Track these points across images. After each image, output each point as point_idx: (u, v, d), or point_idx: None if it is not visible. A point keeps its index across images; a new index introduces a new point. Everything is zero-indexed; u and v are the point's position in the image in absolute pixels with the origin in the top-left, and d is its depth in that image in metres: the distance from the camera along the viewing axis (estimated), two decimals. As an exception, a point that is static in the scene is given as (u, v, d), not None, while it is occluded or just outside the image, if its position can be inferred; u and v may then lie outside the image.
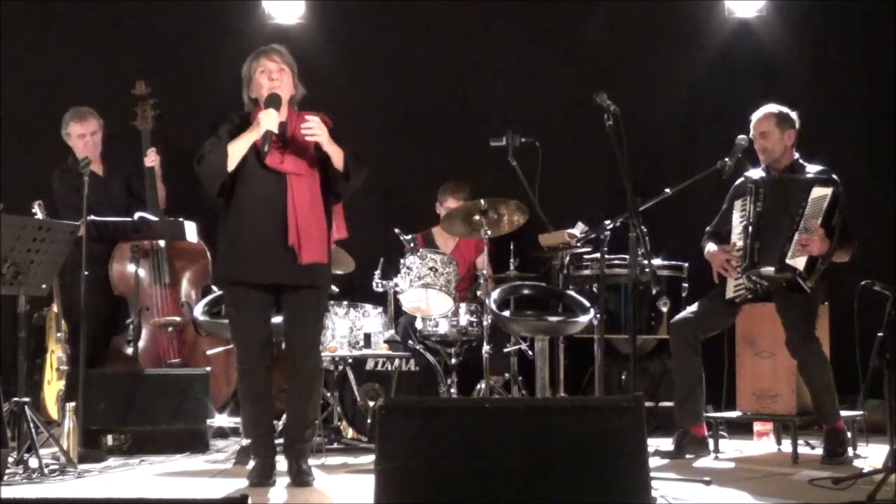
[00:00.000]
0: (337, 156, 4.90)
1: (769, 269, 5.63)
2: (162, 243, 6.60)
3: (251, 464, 5.01)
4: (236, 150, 4.85)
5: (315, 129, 4.83)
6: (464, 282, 6.58)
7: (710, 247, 5.95)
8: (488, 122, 7.14)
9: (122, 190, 6.71)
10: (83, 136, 6.56)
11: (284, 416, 6.20)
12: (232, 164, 4.85)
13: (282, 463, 5.45)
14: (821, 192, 5.60)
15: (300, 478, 4.92)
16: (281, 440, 5.20)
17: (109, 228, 6.23)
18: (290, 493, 4.82)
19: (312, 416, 5.13)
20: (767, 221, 5.69)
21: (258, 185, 4.90)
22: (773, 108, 5.87)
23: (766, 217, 5.70)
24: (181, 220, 6.39)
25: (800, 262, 5.55)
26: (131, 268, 6.46)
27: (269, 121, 4.83)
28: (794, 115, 5.86)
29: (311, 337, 5.05)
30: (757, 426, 6.17)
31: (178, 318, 6.61)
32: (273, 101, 4.89)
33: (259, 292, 4.95)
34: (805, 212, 5.59)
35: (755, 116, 5.88)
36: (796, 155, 5.87)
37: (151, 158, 6.63)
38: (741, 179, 5.91)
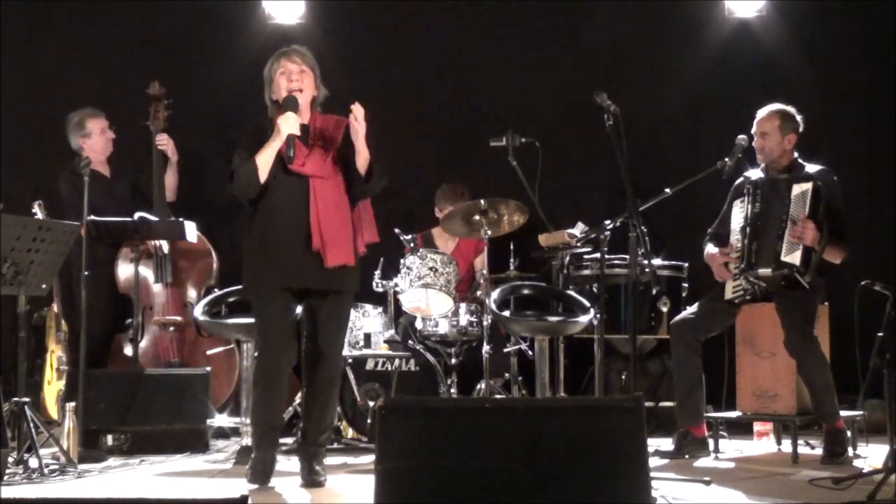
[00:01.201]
0: (364, 156, 4.87)
1: (766, 270, 5.64)
2: (166, 243, 6.60)
3: (251, 459, 4.96)
4: (263, 161, 4.81)
5: (359, 118, 4.79)
6: (463, 282, 6.58)
7: (709, 249, 5.95)
8: (488, 122, 7.13)
9: (127, 191, 6.72)
10: (104, 130, 6.60)
11: (286, 417, 6.25)
12: (263, 176, 4.81)
13: (282, 463, 5.47)
14: (801, 189, 5.62)
15: (312, 478, 4.91)
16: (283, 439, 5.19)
17: (110, 228, 6.24)
18: (290, 493, 4.82)
19: (330, 420, 5.11)
20: (763, 222, 5.70)
21: (281, 190, 4.87)
22: (778, 108, 5.84)
23: (762, 218, 5.71)
24: (181, 220, 6.40)
25: (795, 258, 5.56)
26: (135, 267, 6.48)
27: (288, 125, 4.79)
28: (799, 117, 5.84)
29: (334, 343, 5.03)
30: (757, 426, 6.18)
31: (178, 318, 6.62)
32: (290, 104, 4.86)
33: (289, 297, 4.93)
34: (790, 210, 5.60)
35: (760, 113, 5.85)
36: (795, 154, 5.87)
37: (163, 142, 6.62)
38: (740, 180, 5.90)
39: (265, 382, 4.97)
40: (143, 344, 6.58)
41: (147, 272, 6.60)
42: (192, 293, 6.70)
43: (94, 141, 6.61)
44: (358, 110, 4.81)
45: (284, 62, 4.94)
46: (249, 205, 4.93)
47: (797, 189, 5.62)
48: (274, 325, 4.94)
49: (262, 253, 4.90)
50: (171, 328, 6.61)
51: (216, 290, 6.49)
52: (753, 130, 5.83)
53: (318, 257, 4.83)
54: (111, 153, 6.69)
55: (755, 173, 5.89)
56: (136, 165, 6.78)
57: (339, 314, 5.03)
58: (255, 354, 5.14)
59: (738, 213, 5.84)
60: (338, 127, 4.94)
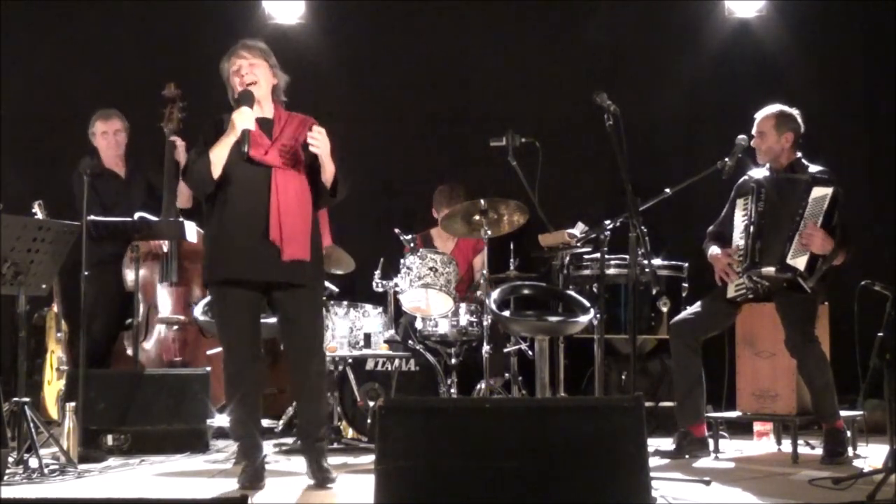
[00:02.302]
0: (330, 171, 4.82)
1: (770, 269, 5.63)
2: (166, 243, 6.59)
3: (241, 467, 4.94)
4: (217, 156, 4.78)
5: (320, 141, 4.74)
6: (463, 282, 6.58)
7: (713, 250, 5.94)
8: (488, 122, 7.13)
9: (143, 191, 6.73)
10: (106, 133, 6.66)
11: (285, 417, 6.26)
12: (217, 171, 4.78)
13: (282, 463, 5.46)
14: (821, 192, 5.59)
15: (323, 476, 4.87)
16: (271, 441, 5.15)
17: (110, 228, 6.24)
18: (289, 493, 4.82)
19: (324, 413, 5.06)
20: (769, 221, 5.69)
21: (242, 180, 4.82)
22: (774, 109, 5.84)
23: (767, 217, 5.70)
24: (181, 220, 6.39)
25: (800, 263, 5.55)
26: (143, 264, 6.48)
27: (242, 119, 4.75)
28: (797, 117, 5.83)
29: (311, 338, 4.98)
30: (757, 426, 6.17)
31: (181, 318, 6.62)
32: (245, 98, 4.82)
33: (247, 291, 4.86)
34: (806, 212, 5.58)
35: (758, 114, 5.86)
36: (798, 154, 5.86)
37: (177, 143, 6.62)
38: (744, 178, 5.90)
39: (238, 400, 4.93)
40: (147, 343, 6.58)
41: (152, 272, 6.60)
42: (196, 293, 6.70)
43: (98, 141, 6.69)
44: (316, 135, 4.73)
45: (234, 59, 4.90)
46: (206, 200, 4.89)
47: (817, 192, 5.58)
48: (232, 318, 4.90)
49: (220, 243, 4.85)
50: (175, 327, 6.61)
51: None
52: (753, 131, 5.84)
53: (276, 249, 4.77)
54: (124, 153, 6.70)
55: (759, 172, 5.88)
56: (145, 167, 6.77)
57: (307, 305, 4.92)
58: (223, 370, 5.01)
59: (741, 212, 5.84)
60: (303, 124, 4.90)
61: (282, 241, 4.77)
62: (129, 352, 6.56)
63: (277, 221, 4.76)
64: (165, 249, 6.62)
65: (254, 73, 4.88)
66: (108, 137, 6.65)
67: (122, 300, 6.59)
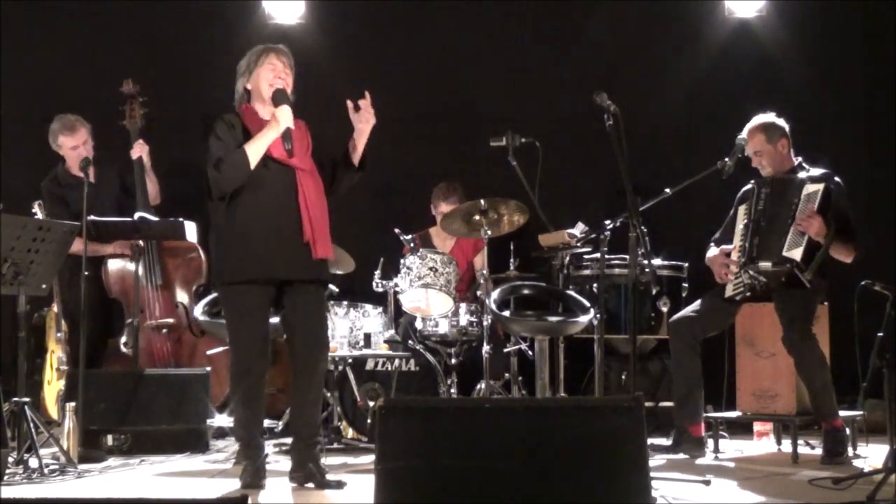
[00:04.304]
0: (362, 146, 5.01)
1: (767, 264, 5.63)
2: (150, 243, 6.56)
3: (241, 467, 4.94)
4: (257, 150, 4.79)
5: (371, 115, 4.94)
6: (462, 282, 6.58)
7: (711, 251, 5.95)
8: (488, 122, 7.13)
9: (115, 191, 6.68)
10: (76, 147, 6.54)
11: (287, 417, 6.24)
12: (253, 166, 4.81)
13: (282, 463, 5.46)
14: (812, 189, 5.62)
15: (321, 479, 4.86)
16: (272, 441, 5.14)
17: (110, 228, 6.22)
18: (289, 493, 4.82)
19: (319, 415, 5.09)
20: (766, 219, 5.70)
21: (267, 182, 4.85)
22: (758, 122, 5.84)
23: (765, 215, 5.71)
24: (181, 220, 6.37)
25: (796, 254, 5.55)
26: (126, 269, 6.45)
27: (286, 117, 4.83)
28: (780, 121, 5.85)
29: (322, 337, 5.02)
30: (757, 426, 6.18)
31: (171, 320, 6.60)
32: (284, 97, 4.88)
33: (261, 291, 4.88)
34: (798, 207, 5.60)
35: (745, 134, 5.84)
36: (799, 159, 5.88)
37: (137, 151, 6.60)
38: (748, 187, 5.89)
39: (242, 399, 4.94)
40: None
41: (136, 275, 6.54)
42: (181, 293, 6.68)
43: (66, 152, 6.58)
44: (368, 108, 4.90)
45: (274, 57, 4.96)
46: (223, 197, 4.87)
47: (809, 189, 5.61)
48: (246, 318, 4.90)
49: (246, 245, 4.85)
50: (165, 330, 6.60)
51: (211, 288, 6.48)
52: (747, 152, 5.83)
53: (306, 248, 4.84)
54: (93, 156, 6.61)
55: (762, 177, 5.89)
56: (126, 166, 6.73)
57: (318, 307, 5.04)
58: (231, 370, 5.01)
59: (743, 214, 5.84)
60: (305, 130, 5.02)
61: (314, 241, 4.86)
62: (125, 350, 6.53)
63: (309, 221, 4.85)
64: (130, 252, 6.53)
65: (286, 79, 4.97)
66: (79, 150, 6.51)
67: (104, 305, 6.56)
